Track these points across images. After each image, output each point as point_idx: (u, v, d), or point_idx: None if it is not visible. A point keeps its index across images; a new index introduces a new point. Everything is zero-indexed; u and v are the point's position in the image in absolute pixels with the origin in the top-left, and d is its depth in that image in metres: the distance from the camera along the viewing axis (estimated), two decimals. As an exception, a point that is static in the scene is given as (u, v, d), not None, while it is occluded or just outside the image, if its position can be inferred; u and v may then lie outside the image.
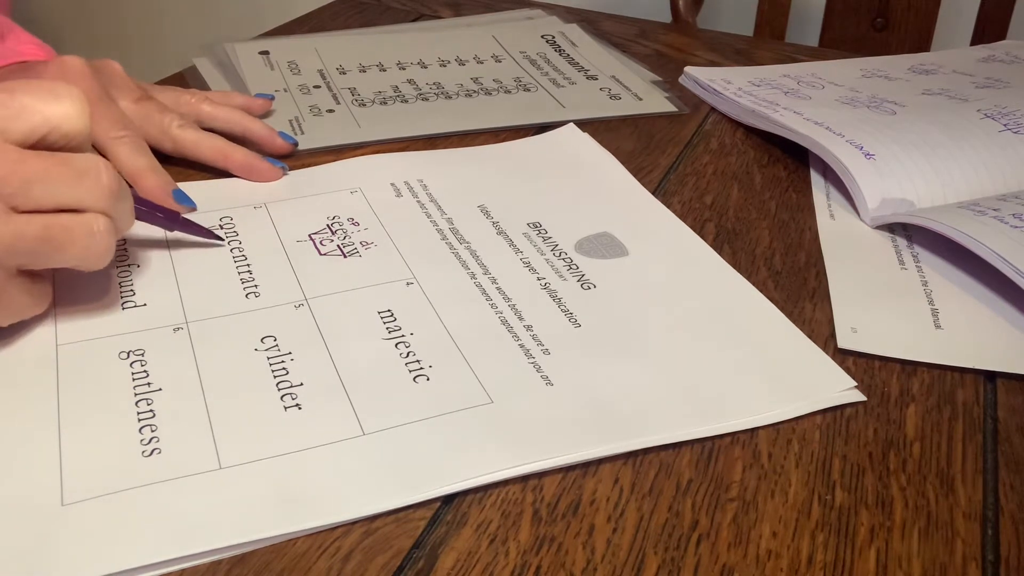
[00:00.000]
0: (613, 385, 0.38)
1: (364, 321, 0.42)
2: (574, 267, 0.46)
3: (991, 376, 0.41)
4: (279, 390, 0.37)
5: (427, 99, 0.64)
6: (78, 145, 0.38)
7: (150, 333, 0.40)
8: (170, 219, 0.45)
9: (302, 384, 0.38)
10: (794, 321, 0.43)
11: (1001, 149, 0.55)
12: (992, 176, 0.54)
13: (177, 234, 0.47)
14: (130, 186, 0.45)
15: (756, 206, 0.54)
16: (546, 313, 0.43)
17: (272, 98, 0.61)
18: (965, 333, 0.43)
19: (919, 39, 1.00)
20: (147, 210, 0.44)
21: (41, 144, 0.37)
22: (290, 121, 0.60)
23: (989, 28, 0.98)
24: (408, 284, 0.44)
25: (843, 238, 0.50)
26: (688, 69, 0.71)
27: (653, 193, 0.54)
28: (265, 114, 0.60)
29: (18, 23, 0.55)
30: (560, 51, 0.74)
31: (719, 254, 0.48)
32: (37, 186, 0.35)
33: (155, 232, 0.47)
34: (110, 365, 0.38)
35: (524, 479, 0.34)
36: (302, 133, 0.58)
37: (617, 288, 0.45)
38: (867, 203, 0.52)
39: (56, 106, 0.37)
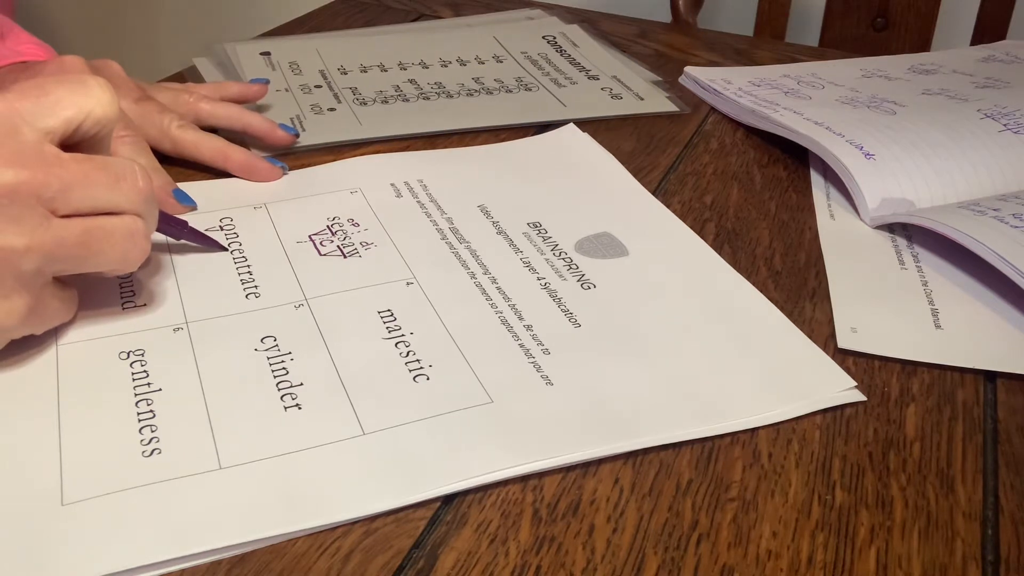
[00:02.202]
0: (613, 385, 0.38)
1: (364, 321, 0.42)
2: (574, 267, 0.46)
3: (991, 376, 0.41)
4: (279, 390, 0.37)
5: (428, 98, 0.64)
6: (107, 134, 0.39)
7: (150, 333, 0.40)
8: (177, 227, 0.45)
9: (302, 384, 0.38)
10: (794, 321, 0.43)
11: (1001, 149, 0.55)
12: (992, 176, 0.54)
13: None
14: None
15: (756, 206, 0.54)
16: (546, 313, 0.43)
17: (267, 82, 0.61)
18: (965, 333, 0.43)
19: (919, 39, 1.00)
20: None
21: (77, 134, 0.37)
22: (291, 119, 0.60)
23: (989, 28, 0.98)
24: (408, 284, 0.44)
25: (843, 238, 0.50)
26: (688, 69, 0.71)
27: (653, 193, 0.54)
28: (262, 104, 0.60)
29: (18, 23, 0.55)
30: (561, 51, 0.74)
31: (719, 254, 0.48)
32: (77, 190, 0.35)
33: (155, 234, 0.47)
34: (110, 365, 0.38)
35: (524, 479, 0.34)
36: (303, 130, 0.59)
37: (617, 288, 0.45)
38: (867, 203, 0.52)
39: (87, 95, 0.37)
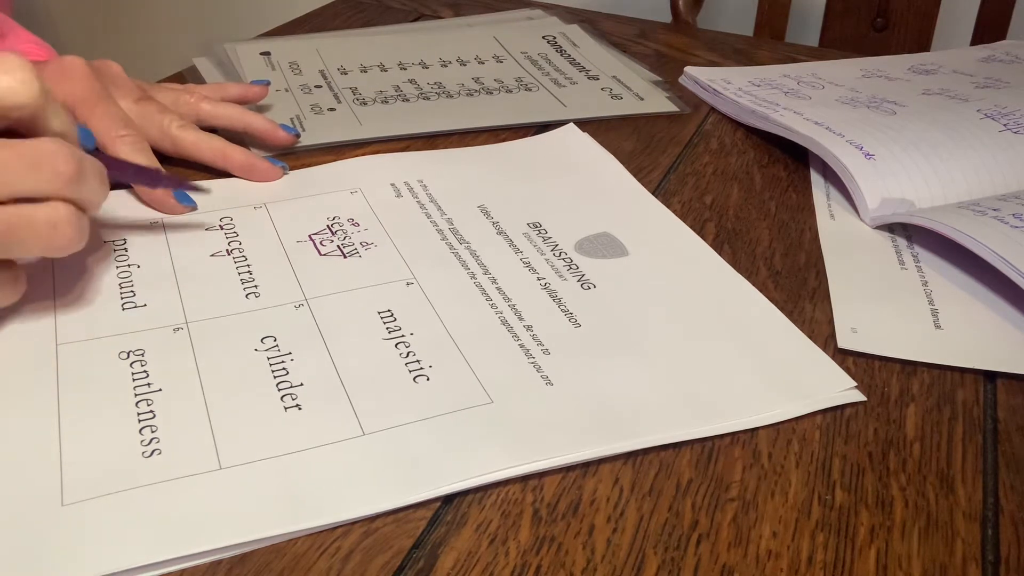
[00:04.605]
0: (613, 385, 0.38)
1: (364, 321, 0.42)
2: (574, 267, 0.46)
3: (991, 376, 0.41)
4: (279, 390, 0.37)
5: (428, 98, 0.64)
6: (33, 118, 0.37)
7: (150, 333, 0.40)
8: (151, 177, 0.45)
9: (302, 384, 0.38)
10: (794, 321, 0.43)
11: (1001, 149, 0.55)
12: (992, 176, 0.54)
13: (177, 235, 0.47)
14: (102, 152, 0.45)
15: (756, 206, 0.54)
16: (546, 313, 0.43)
17: (268, 83, 0.61)
18: (965, 333, 0.43)
19: (919, 39, 1.00)
20: (125, 171, 0.44)
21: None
22: (291, 119, 0.60)
23: (989, 28, 0.98)
24: (408, 284, 0.44)
25: (843, 238, 0.50)
26: (688, 69, 0.71)
27: (653, 193, 0.54)
28: (262, 104, 0.60)
29: (18, 22, 0.55)
30: (561, 51, 0.74)
31: (719, 254, 0.48)
32: None
33: (155, 232, 0.47)
34: (110, 365, 0.38)
35: (524, 479, 0.34)
36: (303, 130, 0.59)
37: (617, 288, 0.45)
38: (867, 203, 0.52)
39: (3, 78, 0.36)
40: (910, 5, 0.99)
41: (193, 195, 0.49)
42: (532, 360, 0.40)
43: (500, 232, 0.49)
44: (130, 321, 0.41)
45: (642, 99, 0.66)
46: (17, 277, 0.39)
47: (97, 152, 0.43)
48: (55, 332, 0.40)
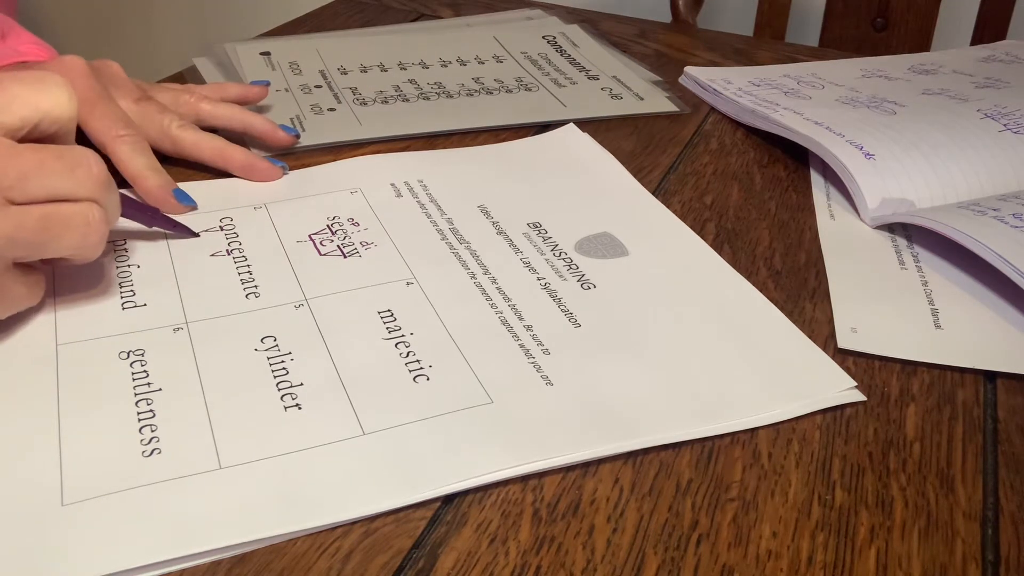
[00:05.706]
0: (613, 385, 0.38)
1: (364, 321, 0.42)
2: (574, 267, 0.46)
3: (991, 376, 0.41)
4: (279, 390, 0.37)
5: (428, 98, 0.64)
6: (66, 132, 0.40)
7: (150, 333, 0.40)
8: (148, 214, 0.45)
9: (302, 384, 0.38)
10: (794, 321, 0.43)
11: (1001, 149, 0.55)
12: (992, 176, 0.54)
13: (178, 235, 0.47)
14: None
15: (756, 206, 0.54)
16: (546, 313, 0.43)
17: (267, 84, 0.61)
18: (965, 333, 0.43)
19: (919, 39, 1.00)
20: (127, 206, 0.44)
21: (34, 132, 0.38)
22: (291, 119, 0.60)
23: (989, 28, 0.98)
24: (408, 284, 0.44)
25: (843, 238, 0.50)
26: (688, 69, 0.71)
27: (653, 193, 0.54)
28: (262, 104, 0.60)
29: (19, 23, 0.55)
30: (561, 51, 0.74)
31: (719, 254, 0.48)
32: (33, 178, 0.36)
33: (155, 232, 0.47)
34: (110, 365, 0.38)
35: (524, 479, 0.34)
36: (303, 130, 0.59)
37: (617, 288, 0.45)
38: (867, 203, 0.52)
39: (46, 95, 0.38)
40: (910, 5, 0.99)
41: (189, 220, 0.49)
42: (532, 360, 0.40)
43: (500, 232, 0.49)
44: (130, 321, 0.41)
45: (642, 99, 0.66)
46: (38, 281, 0.40)
47: None
48: (55, 332, 0.40)
